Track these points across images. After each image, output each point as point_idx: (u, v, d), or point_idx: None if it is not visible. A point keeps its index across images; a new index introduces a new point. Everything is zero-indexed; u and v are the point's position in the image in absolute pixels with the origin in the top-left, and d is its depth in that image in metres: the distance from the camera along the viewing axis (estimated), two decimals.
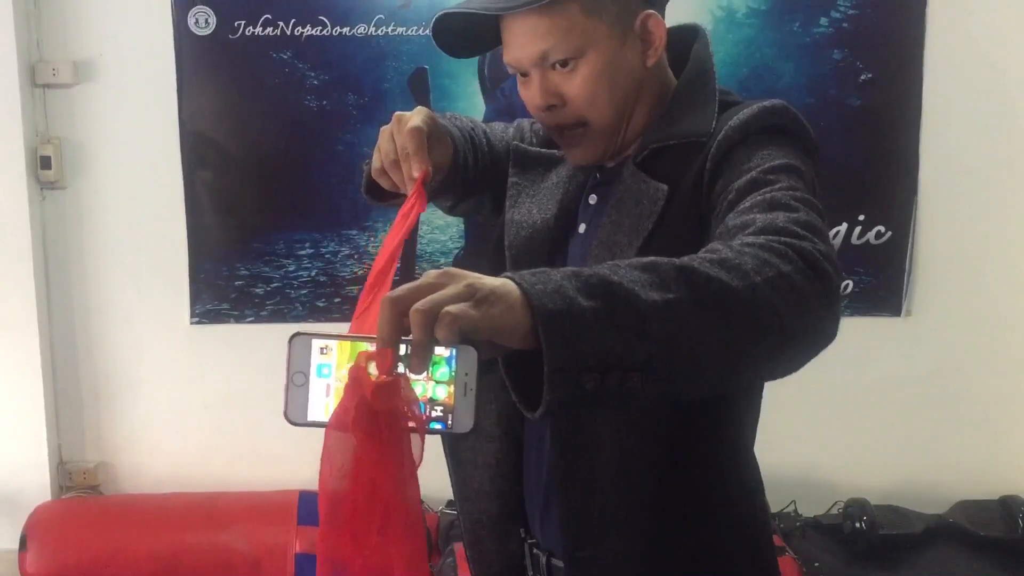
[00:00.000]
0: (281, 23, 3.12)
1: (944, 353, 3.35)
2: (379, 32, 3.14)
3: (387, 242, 1.13)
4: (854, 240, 3.23)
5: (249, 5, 3.11)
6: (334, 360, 0.77)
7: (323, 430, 0.80)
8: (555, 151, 1.37)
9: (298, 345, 0.78)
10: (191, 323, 3.26)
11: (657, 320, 0.78)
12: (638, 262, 0.83)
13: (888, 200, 3.25)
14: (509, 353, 0.80)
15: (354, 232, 3.24)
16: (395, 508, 0.81)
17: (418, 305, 0.73)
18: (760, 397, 1.32)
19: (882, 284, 3.29)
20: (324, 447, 0.81)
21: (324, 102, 3.18)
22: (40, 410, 3.22)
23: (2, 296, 3.16)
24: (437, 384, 0.77)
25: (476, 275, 0.77)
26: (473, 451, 1.33)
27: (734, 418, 1.27)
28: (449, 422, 0.77)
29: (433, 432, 0.77)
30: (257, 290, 3.26)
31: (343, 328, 0.87)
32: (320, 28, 3.13)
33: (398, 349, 0.74)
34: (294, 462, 3.12)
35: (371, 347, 0.76)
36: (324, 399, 0.77)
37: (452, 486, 1.39)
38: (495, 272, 0.86)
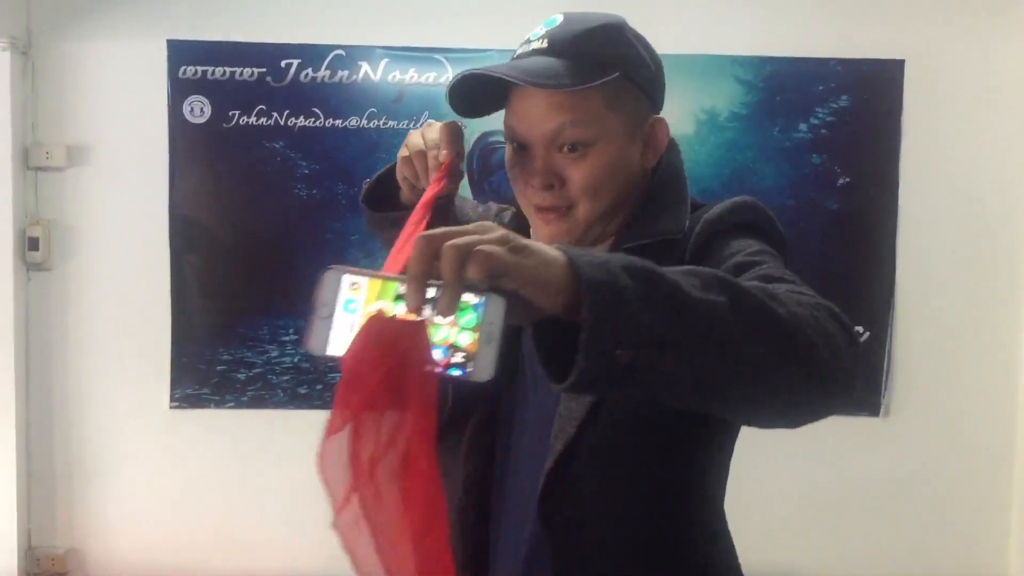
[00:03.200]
0: (275, 113, 3.19)
1: (923, 453, 3.36)
2: (371, 125, 3.21)
3: (406, 228, 1.14)
4: None
5: (244, 96, 3.18)
6: (363, 298, 0.77)
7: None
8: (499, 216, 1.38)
9: (330, 278, 0.77)
10: (170, 407, 3.24)
11: (696, 314, 0.78)
12: (679, 268, 0.83)
13: (866, 301, 3.30)
14: (540, 322, 0.79)
15: None
16: (413, 452, 0.77)
17: (452, 241, 0.72)
18: (729, 457, 1.29)
19: (859, 384, 3.31)
20: (342, 383, 0.78)
21: (314, 191, 3.23)
22: (11, 492, 3.17)
23: None
24: (462, 331, 0.75)
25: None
26: (450, 491, 1.26)
27: (707, 477, 1.26)
28: (469, 368, 0.75)
29: (451, 378, 0.75)
30: (239, 375, 3.25)
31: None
32: (313, 119, 3.20)
33: (426, 289, 0.73)
34: (270, 553, 3.08)
35: (401, 287, 0.75)
36: (348, 335, 0.76)
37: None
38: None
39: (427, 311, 0.73)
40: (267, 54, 3.18)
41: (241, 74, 3.18)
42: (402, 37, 3.20)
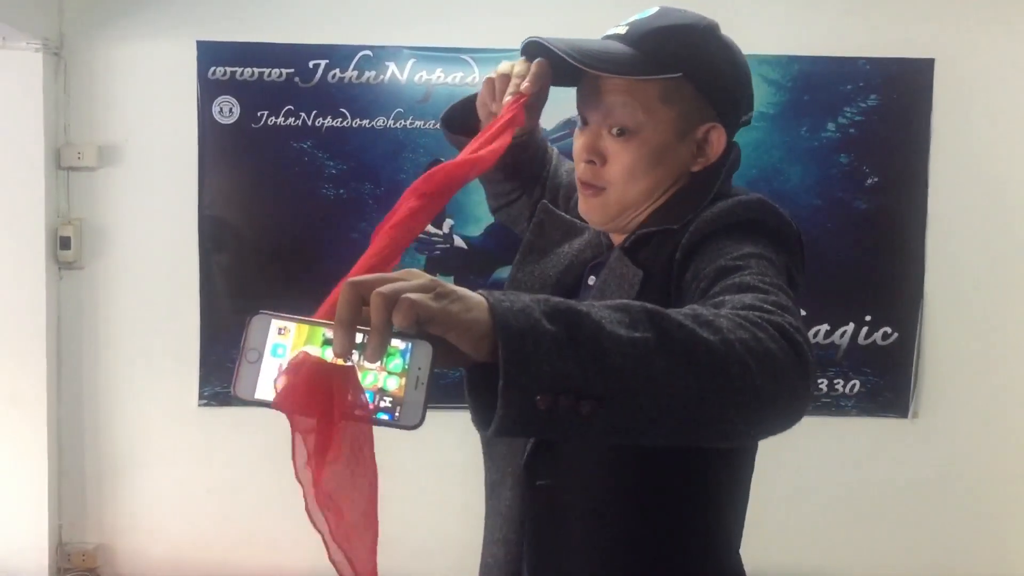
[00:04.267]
0: (303, 114, 3.21)
1: (951, 455, 3.33)
2: (398, 125, 3.22)
3: (471, 144, 1.18)
4: (861, 340, 3.25)
5: (273, 96, 3.21)
6: (291, 342, 0.77)
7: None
8: (578, 220, 1.36)
9: (257, 323, 0.78)
10: (199, 405, 3.27)
11: (619, 355, 0.78)
12: (611, 302, 0.83)
13: (894, 301, 3.28)
14: (472, 369, 0.80)
15: None
16: (345, 495, 0.81)
17: (380, 288, 0.73)
18: (746, 493, 1.28)
19: (889, 385, 3.29)
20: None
21: (341, 191, 3.25)
22: (43, 489, 3.21)
23: (13, 373, 3.19)
24: (389, 375, 0.75)
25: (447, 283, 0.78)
26: (498, 499, 1.33)
27: (714, 507, 1.25)
28: (397, 414, 0.75)
29: (379, 423, 0.76)
30: None
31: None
32: (340, 120, 3.22)
33: (354, 335, 0.74)
34: (296, 549, 3.09)
35: (328, 332, 0.75)
36: (276, 379, 0.76)
37: None
38: None
39: (355, 356, 0.74)
40: (295, 55, 3.21)
41: (269, 75, 3.21)
42: (429, 37, 3.22)
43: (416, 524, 3.12)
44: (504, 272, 3.22)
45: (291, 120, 3.21)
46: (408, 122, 3.23)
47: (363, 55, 3.21)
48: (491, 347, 0.75)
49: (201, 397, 3.27)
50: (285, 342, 0.77)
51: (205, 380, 3.27)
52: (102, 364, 3.29)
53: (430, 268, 3.25)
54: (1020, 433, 3.35)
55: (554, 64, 1.23)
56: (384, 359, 0.75)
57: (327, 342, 0.76)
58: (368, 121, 3.22)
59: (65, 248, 3.21)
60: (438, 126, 3.25)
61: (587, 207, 1.26)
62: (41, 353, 3.19)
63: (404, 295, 0.72)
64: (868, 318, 3.25)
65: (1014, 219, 3.31)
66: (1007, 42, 3.26)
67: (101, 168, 3.24)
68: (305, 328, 0.77)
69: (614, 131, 1.20)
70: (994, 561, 3.36)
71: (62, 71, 3.22)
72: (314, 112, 3.21)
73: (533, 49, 1.23)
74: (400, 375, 0.75)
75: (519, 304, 0.77)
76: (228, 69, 3.21)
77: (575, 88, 1.27)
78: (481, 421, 0.81)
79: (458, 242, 3.25)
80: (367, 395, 0.75)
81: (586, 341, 0.77)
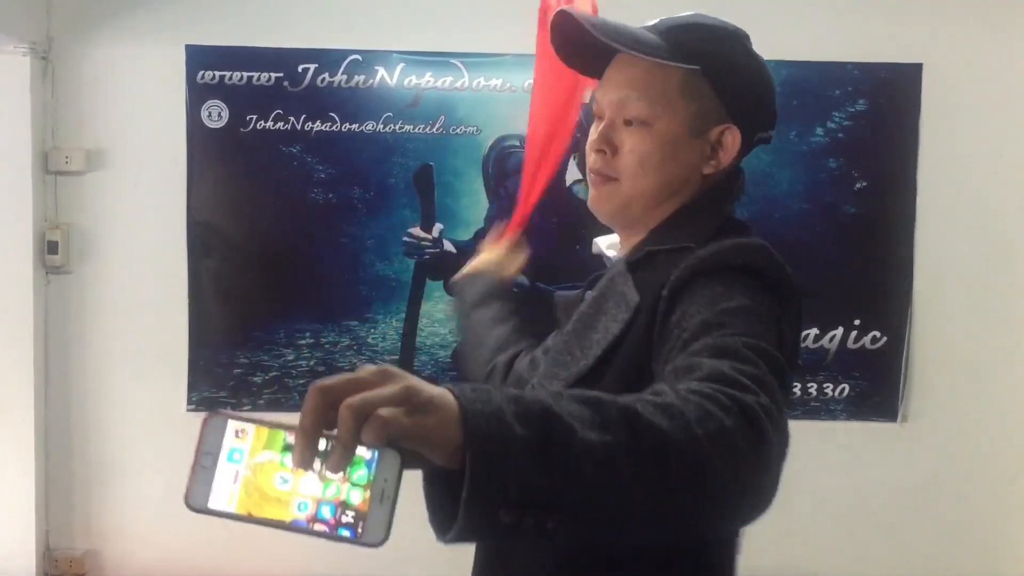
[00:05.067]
0: (292, 118, 3.20)
1: (940, 459, 3.34)
2: (387, 129, 3.22)
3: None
4: (850, 344, 3.26)
5: (262, 100, 3.20)
6: (248, 446, 0.70)
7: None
8: (581, 288, 1.36)
9: (213, 424, 0.71)
10: (187, 410, 3.26)
11: (590, 462, 0.73)
12: (583, 395, 0.78)
13: (883, 305, 3.29)
14: (432, 468, 0.74)
15: (354, 323, 3.26)
16: None
17: (350, 400, 0.67)
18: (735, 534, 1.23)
19: (878, 389, 3.30)
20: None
21: (330, 195, 3.24)
22: (30, 494, 3.19)
23: (0, 378, 3.17)
24: (353, 487, 0.70)
25: (415, 379, 0.72)
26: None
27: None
28: (359, 530, 0.69)
29: (340, 539, 0.70)
30: (255, 378, 3.26)
31: None
32: (330, 124, 3.21)
33: (318, 444, 0.68)
34: (285, 555, 3.08)
35: (290, 436, 0.70)
36: (230, 486, 0.70)
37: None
38: None
39: (316, 464, 0.69)
40: (284, 59, 3.20)
41: (258, 79, 3.20)
42: (418, 42, 3.21)
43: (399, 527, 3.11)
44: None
45: (280, 124, 3.20)
46: (397, 126, 3.22)
47: (352, 59, 3.20)
48: (463, 456, 0.70)
49: (189, 402, 3.26)
50: (242, 446, 0.70)
51: (193, 385, 3.26)
52: (90, 369, 3.28)
53: (419, 272, 3.24)
54: (1009, 437, 3.36)
55: (582, 53, 1.24)
56: (348, 469, 0.69)
57: (287, 448, 0.70)
58: (357, 125, 3.22)
59: (53, 252, 3.19)
60: (429, 130, 3.26)
61: (596, 196, 1.25)
62: (28, 358, 3.17)
63: (376, 412, 0.67)
64: (857, 322, 3.26)
65: (1002, 223, 3.32)
66: (995, 47, 3.28)
67: (89, 172, 3.23)
68: (264, 431, 0.70)
69: (629, 121, 1.20)
70: (983, 564, 3.37)
71: (50, 75, 3.20)
72: (303, 116, 3.21)
73: (561, 21, 1.22)
74: (364, 487, 0.70)
75: (491, 406, 0.72)
76: (217, 73, 3.20)
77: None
78: (438, 524, 0.75)
79: (447, 246, 3.25)
80: (329, 507, 0.70)
81: (557, 448, 0.72)
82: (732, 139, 1.21)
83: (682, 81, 1.18)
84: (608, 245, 1.36)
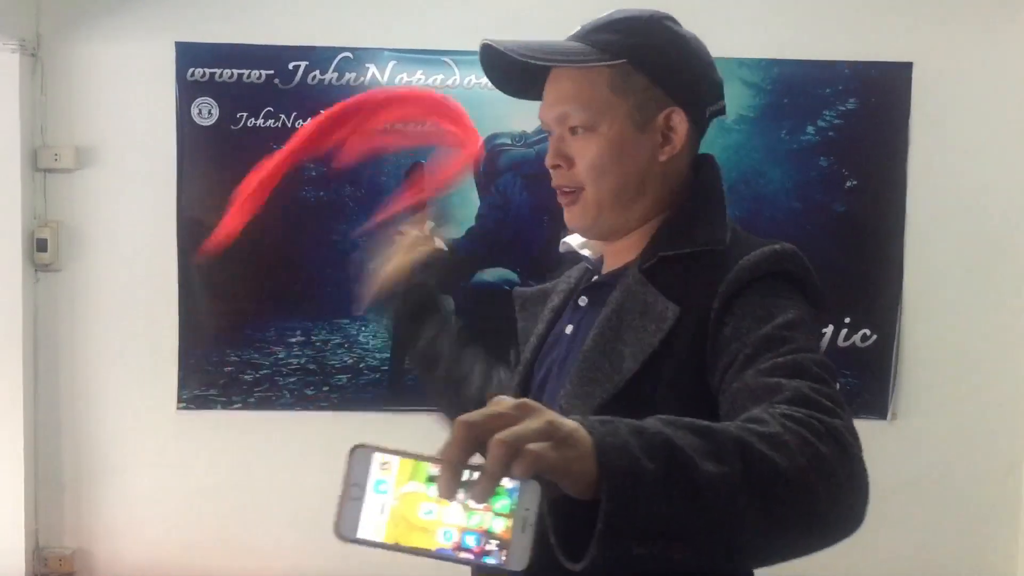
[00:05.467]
0: (283, 116, 3.19)
1: (930, 457, 3.35)
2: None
3: None
4: (840, 342, 3.27)
5: (252, 98, 3.19)
6: (394, 477, 0.73)
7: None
8: (547, 284, 1.39)
9: (358, 456, 0.74)
10: (178, 408, 3.25)
11: (711, 493, 0.78)
12: (694, 425, 0.82)
13: (873, 304, 3.30)
14: (559, 496, 0.77)
15: (345, 321, 3.26)
16: None
17: (501, 436, 0.70)
18: None
19: (867, 387, 3.31)
20: None
21: (321, 193, 3.23)
22: (20, 493, 3.18)
23: None
24: (496, 516, 0.72)
25: (552, 412, 0.75)
26: None
27: None
28: (503, 558, 0.72)
29: (486, 568, 0.73)
30: (246, 376, 3.25)
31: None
32: None
33: (461, 475, 0.72)
34: (276, 553, 3.08)
35: (434, 469, 0.73)
36: (378, 517, 0.73)
37: None
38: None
39: (460, 494, 0.72)
40: (275, 56, 3.19)
41: (249, 76, 3.19)
42: (409, 39, 3.21)
43: None
44: (485, 275, 3.22)
45: (271, 122, 3.20)
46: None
47: (343, 57, 3.20)
48: (596, 488, 0.74)
49: (180, 400, 3.25)
50: (387, 477, 0.73)
51: (184, 383, 3.25)
52: (79, 367, 3.26)
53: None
54: (998, 434, 3.38)
55: (520, 75, 1.25)
56: (491, 499, 0.73)
57: (431, 479, 0.73)
58: None
59: (42, 250, 3.18)
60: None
61: (570, 215, 1.26)
62: (18, 356, 3.16)
63: (527, 446, 0.70)
64: (847, 320, 3.27)
65: (991, 221, 3.34)
66: (985, 46, 3.29)
67: (78, 170, 3.22)
68: (409, 463, 0.74)
69: (574, 131, 1.21)
70: (972, 560, 3.39)
71: (39, 72, 3.19)
72: (294, 114, 3.20)
73: (487, 52, 1.23)
74: (507, 516, 0.73)
75: (619, 439, 0.76)
76: (207, 70, 3.19)
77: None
78: (567, 552, 0.78)
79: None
80: (474, 537, 0.72)
81: (681, 480, 0.77)
82: (679, 120, 1.22)
83: (612, 79, 1.19)
84: (580, 244, 1.35)
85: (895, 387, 3.31)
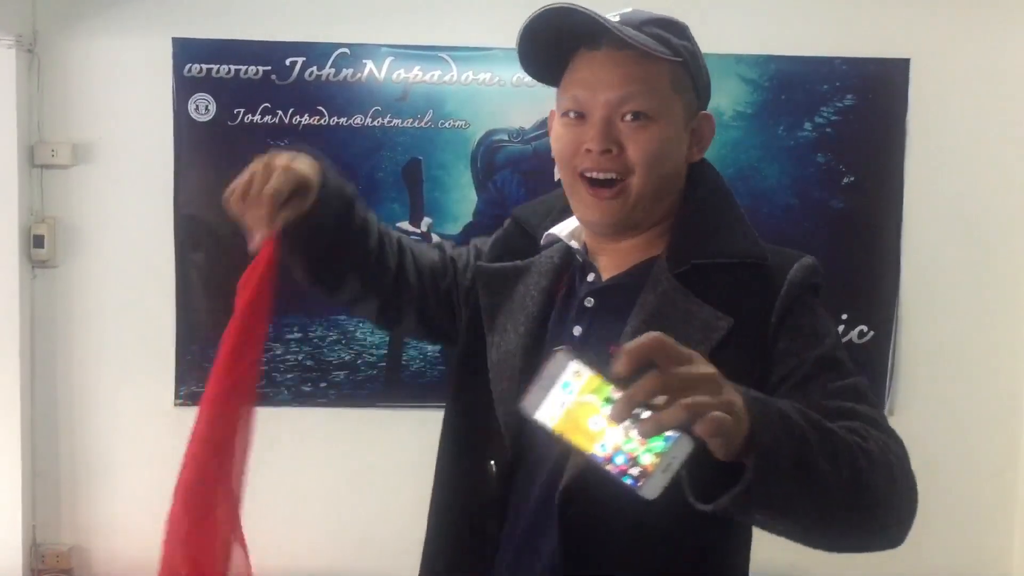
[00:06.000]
0: (280, 112, 3.19)
1: (926, 453, 3.32)
2: (375, 123, 3.21)
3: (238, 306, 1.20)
4: None
5: (249, 94, 3.19)
6: (580, 385, 0.83)
7: None
8: (518, 261, 1.33)
9: (559, 358, 0.84)
10: (175, 404, 3.25)
11: (820, 486, 0.91)
12: (821, 424, 0.95)
13: (870, 300, 3.30)
14: (700, 447, 0.86)
15: (342, 317, 3.25)
16: None
17: (694, 401, 0.80)
18: None
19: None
20: None
21: None
22: (17, 489, 3.18)
23: None
24: (647, 451, 0.82)
25: (728, 386, 0.85)
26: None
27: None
28: (640, 483, 0.82)
29: (622, 484, 0.82)
30: None
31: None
32: (318, 118, 3.20)
33: (635, 409, 0.81)
34: (272, 549, 3.07)
35: (615, 393, 0.81)
36: (556, 410, 0.83)
37: None
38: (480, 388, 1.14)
39: (627, 422, 0.81)
40: (272, 52, 3.19)
41: (246, 72, 3.18)
42: (406, 35, 3.20)
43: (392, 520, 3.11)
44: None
45: (268, 118, 3.19)
46: (386, 120, 3.21)
47: (340, 53, 3.19)
48: (739, 454, 0.86)
49: (177, 397, 3.25)
50: (575, 383, 0.83)
51: (181, 380, 3.25)
52: (76, 364, 3.26)
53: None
54: (995, 430, 3.39)
55: (555, 51, 1.21)
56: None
57: (608, 400, 0.82)
58: (345, 119, 3.21)
59: (39, 247, 3.17)
60: (418, 124, 3.25)
61: (604, 208, 1.20)
62: (14, 353, 3.16)
63: (713, 414, 0.81)
64: (844, 316, 3.27)
65: (988, 218, 3.34)
66: (982, 42, 3.29)
67: (75, 166, 3.21)
68: (596, 380, 0.83)
69: (629, 117, 1.17)
70: (968, 557, 3.39)
71: (35, 68, 3.18)
72: (291, 110, 3.20)
73: (549, 24, 1.17)
74: (657, 455, 0.82)
75: (770, 422, 0.88)
76: (204, 66, 3.18)
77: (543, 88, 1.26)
78: (696, 491, 0.90)
79: (436, 240, 3.25)
80: (623, 457, 0.82)
81: (804, 468, 0.90)
82: (710, 124, 1.26)
83: (673, 77, 1.19)
84: (568, 235, 1.31)
85: (892, 383, 3.32)
